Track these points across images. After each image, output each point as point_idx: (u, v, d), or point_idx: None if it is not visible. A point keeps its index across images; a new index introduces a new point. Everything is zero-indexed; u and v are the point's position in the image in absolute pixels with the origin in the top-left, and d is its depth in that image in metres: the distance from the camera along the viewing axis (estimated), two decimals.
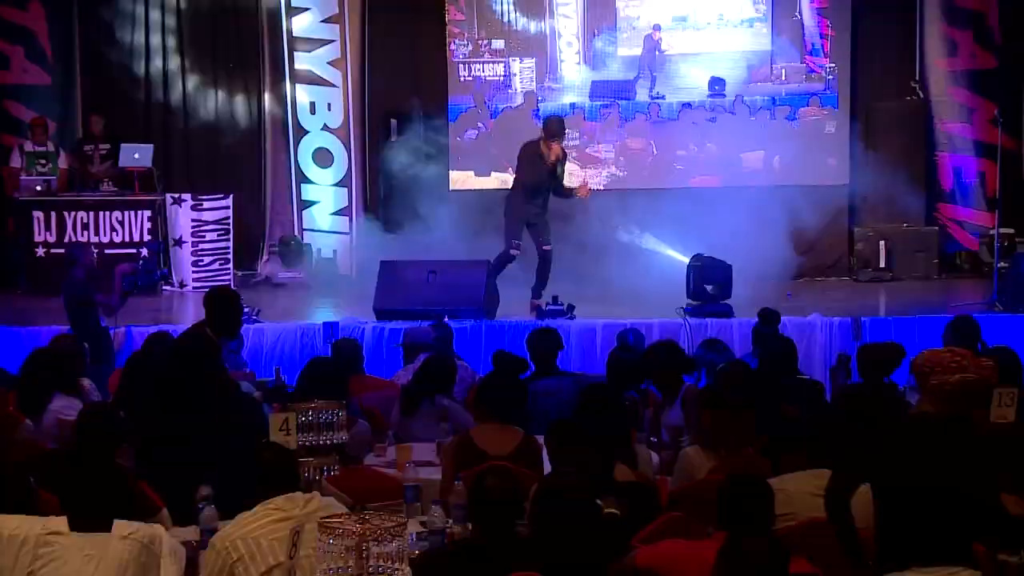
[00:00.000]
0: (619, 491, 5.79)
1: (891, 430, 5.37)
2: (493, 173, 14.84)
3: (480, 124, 15.41)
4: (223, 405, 7.34)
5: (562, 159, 12.76)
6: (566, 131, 12.79)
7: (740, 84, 15.58)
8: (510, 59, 15.32)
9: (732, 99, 15.63)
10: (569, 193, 13.03)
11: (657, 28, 15.28)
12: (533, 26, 15.35)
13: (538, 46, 15.30)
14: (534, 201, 12.80)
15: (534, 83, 15.35)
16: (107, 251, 14.30)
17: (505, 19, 15.32)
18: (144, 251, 14.36)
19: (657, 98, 15.50)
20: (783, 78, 15.52)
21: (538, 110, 15.28)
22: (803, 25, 15.55)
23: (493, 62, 15.29)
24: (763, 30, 15.49)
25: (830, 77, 15.55)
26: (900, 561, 4.96)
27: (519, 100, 15.31)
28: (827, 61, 15.61)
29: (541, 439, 6.94)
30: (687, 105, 15.53)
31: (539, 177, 12.73)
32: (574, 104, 15.47)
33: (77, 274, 11.13)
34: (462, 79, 15.43)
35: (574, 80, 15.45)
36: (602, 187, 16.02)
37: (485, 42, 15.28)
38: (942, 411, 5.39)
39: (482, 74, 15.32)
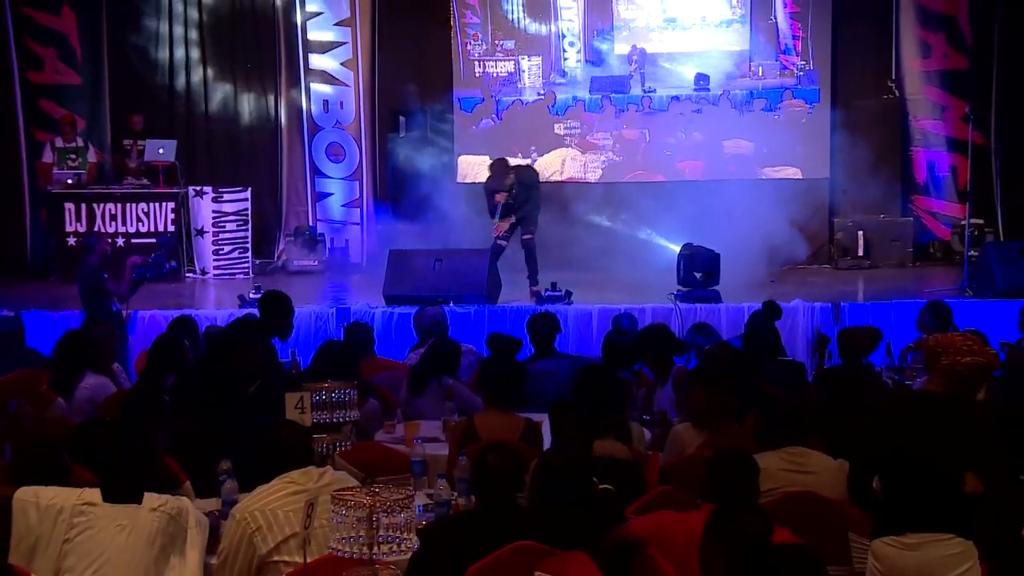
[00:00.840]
0: (604, 467, 5.78)
1: (898, 407, 5.37)
2: (507, 157, 14.98)
3: (493, 115, 15.70)
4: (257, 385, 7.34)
5: (504, 203, 12.87)
6: (508, 173, 12.97)
7: (722, 79, 15.79)
8: (520, 57, 15.75)
9: (719, 93, 15.84)
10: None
11: (634, 49, 15.70)
12: (541, 28, 15.75)
13: (544, 46, 15.72)
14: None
15: (541, 79, 15.75)
16: (133, 240, 14.36)
17: (516, 23, 15.71)
18: (167, 240, 14.41)
19: (649, 92, 15.80)
20: (760, 74, 15.78)
21: (554, 104, 15.81)
22: (777, 27, 15.79)
23: (505, 60, 15.71)
24: (742, 31, 15.76)
25: (801, 74, 15.77)
26: (897, 527, 4.98)
27: (528, 94, 15.74)
28: (799, 59, 15.82)
29: (540, 416, 6.94)
30: (675, 98, 15.84)
31: (493, 208, 12.99)
32: (576, 97, 15.81)
33: (92, 262, 11.11)
34: (477, 75, 15.77)
35: (576, 76, 15.80)
36: (598, 179, 16.22)
37: (500, 43, 15.70)
38: (947, 391, 5.39)
39: (495, 71, 15.73)
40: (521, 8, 15.81)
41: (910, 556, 4.97)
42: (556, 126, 15.76)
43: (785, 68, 15.83)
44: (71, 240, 14.23)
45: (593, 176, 16.01)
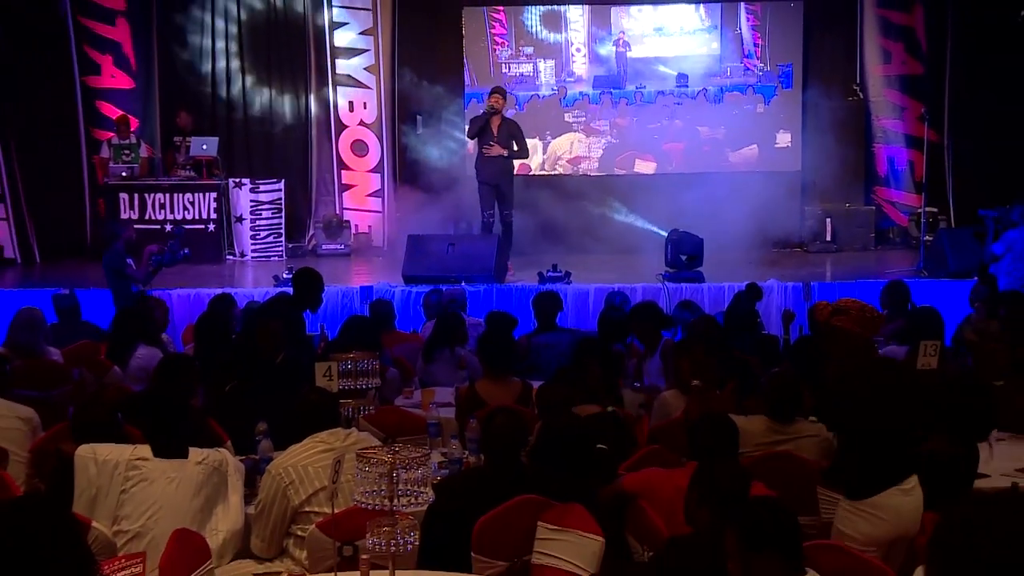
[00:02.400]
0: (599, 430, 5.77)
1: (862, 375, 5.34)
2: (527, 139, 15.21)
3: (516, 106, 16.02)
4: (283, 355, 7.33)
5: (489, 127, 12.96)
6: (501, 96, 13.23)
7: (699, 78, 16.37)
8: (537, 60, 16.48)
9: (697, 89, 16.38)
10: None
11: (617, 42, 16.48)
12: (553, 37, 16.46)
13: (557, 51, 16.49)
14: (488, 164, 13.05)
15: (554, 77, 16.50)
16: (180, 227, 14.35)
17: (534, 33, 16.44)
18: (211, 228, 14.41)
19: (640, 88, 16.48)
20: (728, 74, 16.41)
21: (565, 97, 16.53)
22: (742, 37, 16.32)
23: (526, 63, 16.48)
24: (715, 39, 16.37)
25: (761, 74, 16.30)
26: (892, 478, 4.97)
27: (543, 89, 16.49)
28: (759, 63, 16.29)
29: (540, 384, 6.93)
30: (661, 93, 16.50)
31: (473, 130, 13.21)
32: (581, 92, 16.55)
33: (117, 247, 11.07)
34: (504, 74, 16.40)
35: (582, 75, 16.53)
36: (594, 173, 16.44)
37: (522, 49, 16.46)
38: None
39: (517, 71, 16.50)
40: (539, 21, 16.47)
41: (908, 499, 4.96)
42: (566, 115, 16.49)
43: (748, 70, 16.36)
44: None
45: (596, 154, 16.52)
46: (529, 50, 16.39)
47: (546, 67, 16.40)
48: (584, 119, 16.46)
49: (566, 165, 16.46)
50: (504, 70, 16.38)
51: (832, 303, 5.53)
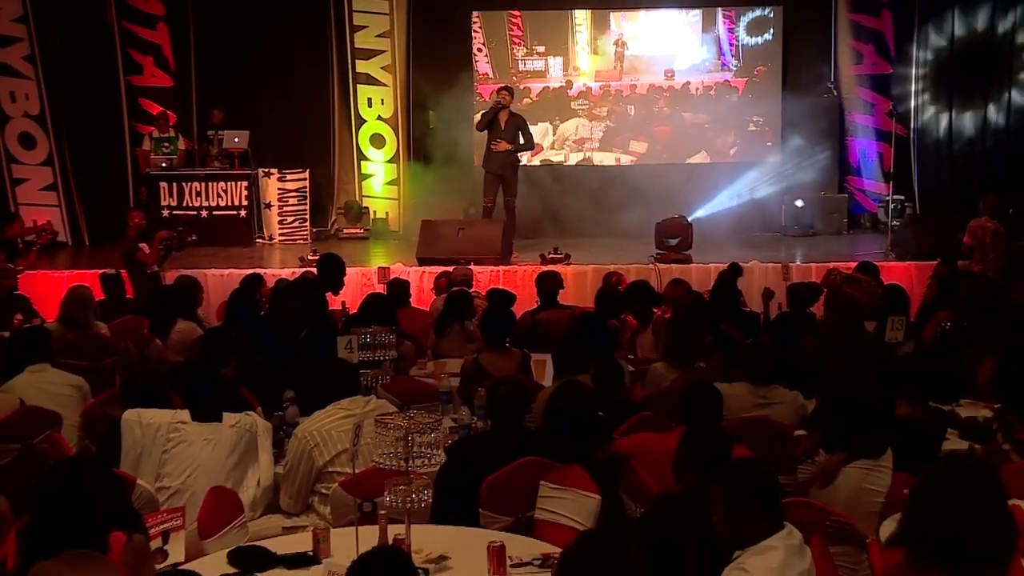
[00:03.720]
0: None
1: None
2: (539, 123, 16.16)
3: (529, 98, 16.50)
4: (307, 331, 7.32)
5: (496, 120, 13.18)
6: (507, 94, 13.52)
7: (684, 72, 16.68)
8: (548, 57, 16.83)
9: (683, 81, 16.66)
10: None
11: (616, 41, 16.85)
12: (561, 36, 16.81)
13: (564, 48, 16.85)
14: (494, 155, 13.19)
15: (562, 71, 16.85)
16: (214, 213, 14.38)
17: (546, 33, 16.82)
18: (242, 214, 14.39)
19: (634, 81, 16.81)
20: (708, 69, 16.70)
21: (571, 89, 16.86)
22: (719, 37, 16.54)
23: (539, 59, 16.85)
24: (698, 39, 16.66)
25: (735, 69, 16.56)
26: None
27: (553, 81, 16.87)
28: (734, 60, 16.54)
29: (544, 356, 6.92)
30: (652, 84, 16.74)
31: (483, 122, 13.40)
32: (585, 83, 16.87)
33: (129, 234, 11.07)
34: (520, 69, 16.79)
35: (586, 69, 16.86)
36: (593, 162, 16.63)
37: (535, 47, 16.84)
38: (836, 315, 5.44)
39: (532, 66, 16.88)
40: (549, 23, 16.79)
41: None
42: (572, 104, 16.82)
43: (725, 66, 16.64)
44: (165, 212, 14.24)
45: (597, 136, 16.82)
46: (541, 48, 16.75)
47: (555, 62, 16.76)
48: (587, 107, 16.83)
49: (572, 145, 16.79)
50: (520, 65, 16.75)
51: (844, 273, 5.54)
